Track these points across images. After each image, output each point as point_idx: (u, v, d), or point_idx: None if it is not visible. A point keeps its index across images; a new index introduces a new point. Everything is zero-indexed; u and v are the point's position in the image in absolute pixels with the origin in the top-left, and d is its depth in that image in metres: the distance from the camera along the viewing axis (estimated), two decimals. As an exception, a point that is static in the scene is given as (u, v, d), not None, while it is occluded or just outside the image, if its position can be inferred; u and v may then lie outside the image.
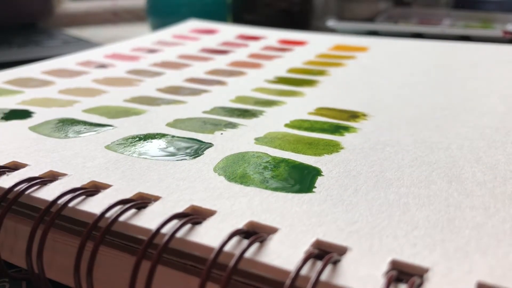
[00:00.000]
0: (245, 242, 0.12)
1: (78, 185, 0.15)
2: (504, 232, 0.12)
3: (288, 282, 0.10)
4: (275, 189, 0.15)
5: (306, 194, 0.14)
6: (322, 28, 0.53)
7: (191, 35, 0.41)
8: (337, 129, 0.20)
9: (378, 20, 0.52)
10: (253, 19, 0.57)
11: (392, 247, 0.12)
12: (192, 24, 0.45)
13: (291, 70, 0.30)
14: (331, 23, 0.50)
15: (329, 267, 0.11)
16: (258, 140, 0.19)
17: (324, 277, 0.11)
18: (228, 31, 0.43)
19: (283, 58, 0.34)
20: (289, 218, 0.13)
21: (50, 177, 0.15)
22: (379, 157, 0.17)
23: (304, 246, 0.12)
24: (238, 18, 0.58)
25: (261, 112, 0.22)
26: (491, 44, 0.35)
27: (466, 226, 0.12)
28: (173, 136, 0.19)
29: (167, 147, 0.18)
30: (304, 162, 0.17)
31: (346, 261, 0.11)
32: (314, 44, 0.38)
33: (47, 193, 0.14)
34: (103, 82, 0.28)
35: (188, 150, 0.18)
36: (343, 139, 0.19)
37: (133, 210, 0.13)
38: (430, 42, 0.36)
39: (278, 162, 0.17)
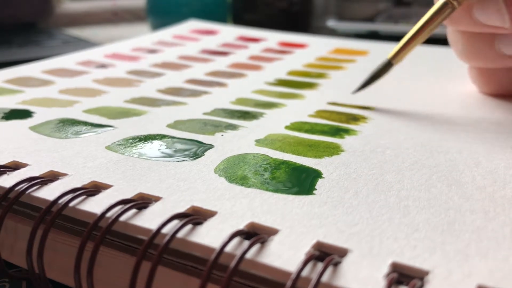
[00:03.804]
0: (246, 243, 0.12)
1: (78, 185, 0.15)
2: (504, 235, 0.12)
3: (289, 283, 0.10)
4: (276, 190, 0.15)
5: (306, 196, 0.14)
6: (322, 28, 0.53)
7: (191, 36, 0.41)
8: (338, 132, 0.20)
9: (378, 20, 0.52)
10: (253, 18, 0.57)
11: (392, 249, 0.12)
12: (192, 25, 0.45)
13: (291, 73, 0.30)
14: (331, 23, 0.50)
15: (329, 269, 0.11)
16: (258, 142, 0.19)
17: (325, 278, 0.11)
18: (228, 32, 0.43)
19: (283, 60, 0.34)
20: (289, 220, 0.13)
21: (50, 177, 0.15)
22: (379, 160, 0.17)
23: (304, 248, 0.12)
24: (238, 17, 0.58)
25: (261, 114, 0.22)
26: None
27: (466, 230, 0.13)
28: (173, 137, 0.19)
29: (167, 148, 0.18)
30: (304, 164, 0.17)
31: (347, 263, 0.11)
32: (314, 47, 0.38)
33: (48, 192, 0.14)
34: (103, 83, 0.28)
35: (188, 152, 0.18)
36: (343, 141, 0.19)
37: (133, 210, 0.13)
38: (429, 46, 0.36)
39: (278, 164, 0.17)
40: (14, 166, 0.16)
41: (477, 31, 0.21)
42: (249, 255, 0.11)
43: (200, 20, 0.47)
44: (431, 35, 0.22)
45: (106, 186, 0.15)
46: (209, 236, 0.12)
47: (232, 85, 0.28)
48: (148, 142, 0.19)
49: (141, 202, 0.13)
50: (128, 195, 0.14)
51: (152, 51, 0.36)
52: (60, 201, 0.13)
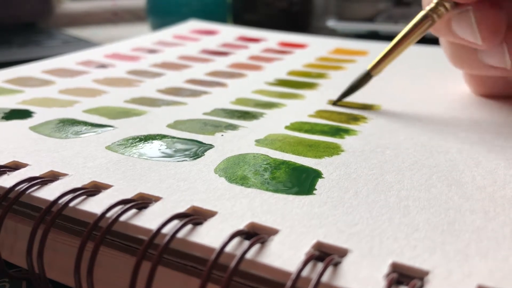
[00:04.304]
0: (246, 243, 0.12)
1: (78, 185, 0.15)
2: (504, 235, 0.12)
3: (289, 283, 0.10)
4: (276, 190, 0.15)
5: (306, 196, 0.14)
6: (322, 28, 0.53)
7: (191, 36, 0.42)
8: (338, 132, 0.20)
9: (378, 20, 0.52)
10: (253, 18, 0.57)
11: (392, 249, 0.12)
12: (192, 25, 0.45)
13: (291, 73, 0.30)
14: (331, 23, 0.50)
15: (329, 269, 0.11)
16: (258, 142, 0.19)
17: (325, 278, 0.11)
18: (228, 32, 0.43)
19: (283, 60, 0.34)
20: (289, 220, 0.13)
21: (50, 177, 0.15)
22: (379, 160, 0.17)
23: (304, 248, 0.12)
24: (238, 17, 0.58)
25: (261, 114, 0.22)
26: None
27: (466, 230, 0.13)
28: (173, 137, 0.19)
29: (167, 148, 0.18)
30: (304, 164, 0.17)
31: (347, 263, 0.11)
32: (314, 47, 0.38)
33: (48, 192, 0.14)
34: (103, 83, 0.28)
35: (188, 152, 0.18)
36: (343, 141, 0.19)
37: (133, 210, 0.13)
38: (429, 47, 0.36)
39: (278, 164, 0.17)
40: (14, 166, 0.16)
41: (458, 42, 0.21)
42: (249, 255, 0.11)
43: (200, 20, 0.47)
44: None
45: (106, 186, 0.15)
46: (209, 236, 0.12)
47: (232, 85, 0.28)
48: (148, 142, 0.19)
49: (141, 202, 0.13)
50: (128, 195, 0.14)
51: (152, 51, 0.36)
52: (60, 201, 0.13)
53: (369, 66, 0.23)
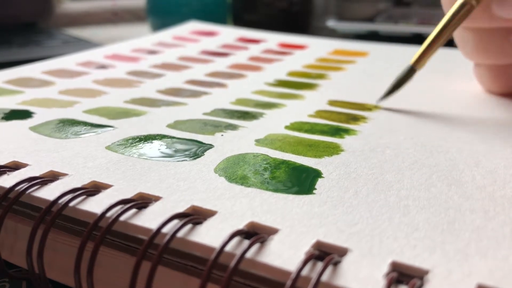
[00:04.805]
0: (246, 242, 0.12)
1: (78, 185, 0.15)
2: (504, 235, 0.12)
3: (289, 283, 0.10)
4: (276, 190, 0.15)
5: (306, 195, 0.14)
6: (322, 28, 0.53)
7: (191, 37, 0.42)
8: (337, 132, 0.20)
9: (378, 20, 0.52)
10: (253, 19, 0.57)
11: (392, 249, 0.12)
12: (192, 26, 0.45)
13: (291, 74, 0.30)
14: (331, 23, 0.50)
15: (329, 268, 0.11)
16: (258, 142, 0.19)
17: (324, 278, 0.11)
18: (228, 33, 0.43)
19: (283, 61, 0.34)
20: (289, 219, 0.13)
21: (50, 177, 0.15)
22: (379, 160, 0.17)
23: (304, 247, 0.12)
24: (238, 18, 0.58)
25: (261, 114, 0.22)
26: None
27: (466, 229, 0.13)
28: (173, 137, 0.19)
29: (167, 148, 0.18)
30: (304, 164, 0.17)
31: (347, 263, 0.11)
32: (314, 48, 0.38)
33: (48, 192, 0.14)
34: (103, 83, 0.28)
35: (188, 151, 0.18)
36: (343, 141, 0.19)
37: (133, 210, 0.13)
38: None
39: (278, 164, 0.17)
40: (14, 166, 0.16)
41: (494, 27, 0.21)
42: (249, 254, 0.11)
43: (200, 21, 0.47)
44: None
45: (106, 186, 0.15)
46: (209, 235, 0.12)
47: (232, 85, 0.28)
48: (148, 142, 0.19)
49: (141, 202, 0.13)
50: (128, 195, 0.14)
51: (152, 52, 0.36)
52: (60, 201, 0.13)
53: (412, 60, 0.23)
